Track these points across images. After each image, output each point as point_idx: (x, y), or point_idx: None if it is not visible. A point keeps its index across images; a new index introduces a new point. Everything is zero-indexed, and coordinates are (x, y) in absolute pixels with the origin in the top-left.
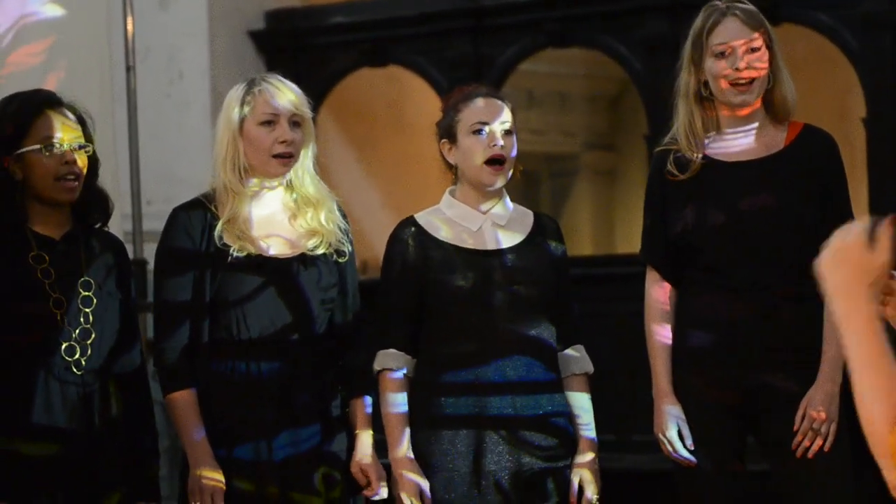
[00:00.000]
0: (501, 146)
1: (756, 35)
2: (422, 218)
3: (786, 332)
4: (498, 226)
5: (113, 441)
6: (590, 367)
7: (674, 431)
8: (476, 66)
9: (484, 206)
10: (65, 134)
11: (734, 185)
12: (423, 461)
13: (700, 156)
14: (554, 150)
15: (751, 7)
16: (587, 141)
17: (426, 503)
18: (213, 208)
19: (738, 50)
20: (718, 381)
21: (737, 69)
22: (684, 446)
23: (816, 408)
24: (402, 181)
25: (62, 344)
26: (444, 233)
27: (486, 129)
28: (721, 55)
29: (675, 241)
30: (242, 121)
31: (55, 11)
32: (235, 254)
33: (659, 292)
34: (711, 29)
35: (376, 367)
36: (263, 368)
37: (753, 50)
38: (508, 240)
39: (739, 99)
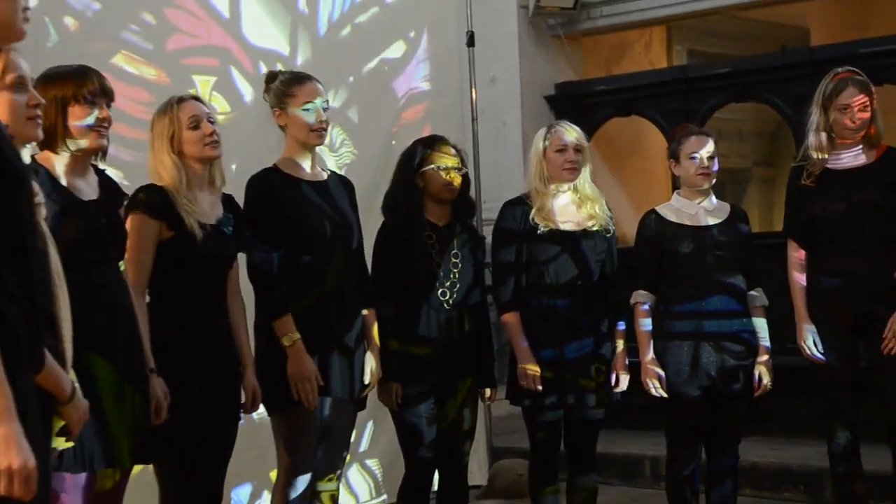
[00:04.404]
0: (706, 167)
1: (865, 97)
2: (660, 209)
3: (882, 278)
4: (707, 212)
5: (467, 347)
6: (766, 302)
7: (810, 341)
8: (686, 114)
9: (698, 200)
10: (447, 162)
11: (846, 185)
12: (661, 360)
13: (823, 167)
14: (733, 167)
15: (863, 77)
16: (755, 160)
17: (663, 385)
18: (527, 202)
19: (854, 108)
20: (839, 309)
21: (852, 120)
22: (818, 351)
23: None
24: (640, 188)
25: (438, 289)
26: (673, 217)
27: (698, 155)
28: (843, 110)
29: (808, 222)
30: (545, 149)
31: (428, 86)
32: (540, 230)
33: (797, 253)
34: (839, 93)
35: (632, 301)
36: (560, 303)
37: (863, 108)
38: (714, 220)
39: (852, 136)
